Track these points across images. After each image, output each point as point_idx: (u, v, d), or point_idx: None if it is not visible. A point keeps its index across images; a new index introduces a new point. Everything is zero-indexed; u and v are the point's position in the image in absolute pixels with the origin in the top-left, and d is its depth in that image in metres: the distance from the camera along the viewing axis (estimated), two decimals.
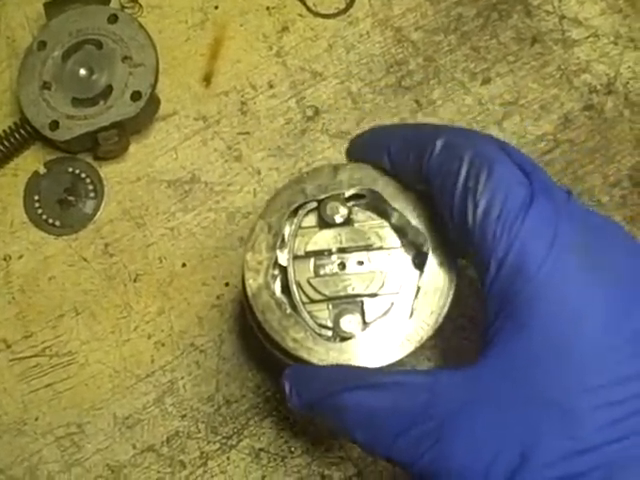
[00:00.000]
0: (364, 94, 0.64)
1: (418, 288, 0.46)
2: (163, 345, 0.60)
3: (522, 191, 0.39)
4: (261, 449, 0.58)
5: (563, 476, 0.35)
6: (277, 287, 0.48)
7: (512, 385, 0.37)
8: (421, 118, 0.63)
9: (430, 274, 0.46)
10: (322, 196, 0.47)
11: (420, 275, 0.46)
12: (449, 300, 0.45)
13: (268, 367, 0.59)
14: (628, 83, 0.63)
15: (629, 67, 0.64)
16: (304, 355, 0.45)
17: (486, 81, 0.64)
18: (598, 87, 0.63)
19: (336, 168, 0.48)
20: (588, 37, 0.64)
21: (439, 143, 0.42)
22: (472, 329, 0.59)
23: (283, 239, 0.48)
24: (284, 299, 0.47)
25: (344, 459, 0.58)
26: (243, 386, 0.59)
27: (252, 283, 0.46)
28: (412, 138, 0.45)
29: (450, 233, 0.43)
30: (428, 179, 0.43)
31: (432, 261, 0.46)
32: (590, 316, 0.37)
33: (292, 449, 0.58)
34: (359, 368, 0.44)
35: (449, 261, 0.46)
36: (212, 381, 0.59)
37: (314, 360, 0.45)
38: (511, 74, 0.64)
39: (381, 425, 0.39)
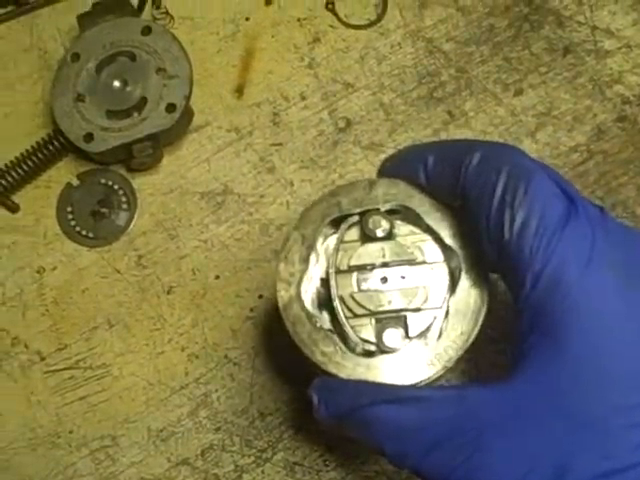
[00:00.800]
0: (396, 105, 0.64)
1: (448, 307, 0.45)
2: (197, 357, 0.60)
3: (559, 205, 0.39)
4: (295, 462, 0.58)
5: None
6: (310, 300, 0.48)
7: (548, 402, 0.37)
8: (453, 130, 0.63)
9: (462, 294, 0.45)
10: (357, 210, 0.47)
11: (452, 294, 0.46)
12: (480, 321, 0.45)
13: (302, 379, 0.58)
14: None
15: None
16: (332, 369, 0.45)
17: (518, 92, 0.64)
18: (631, 98, 0.63)
19: (372, 183, 0.48)
20: (620, 48, 0.64)
21: (476, 155, 0.42)
22: (504, 342, 0.58)
23: (316, 251, 0.47)
24: (316, 312, 0.47)
25: (379, 473, 0.57)
26: (277, 399, 0.59)
27: (284, 294, 0.46)
28: (448, 152, 0.45)
29: (484, 246, 0.42)
30: (464, 192, 0.43)
31: (464, 281, 0.46)
32: (629, 333, 0.36)
33: (327, 462, 0.58)
34: (389, 384, 0.44)
35: (482, 281, 0.46)
36: (246, 394, 0.59)
37: (342, 375, 0.44)
38: (543, 85, 0.64)
39: (411, 439, 0.39)
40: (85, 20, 0.63)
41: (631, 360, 0.36)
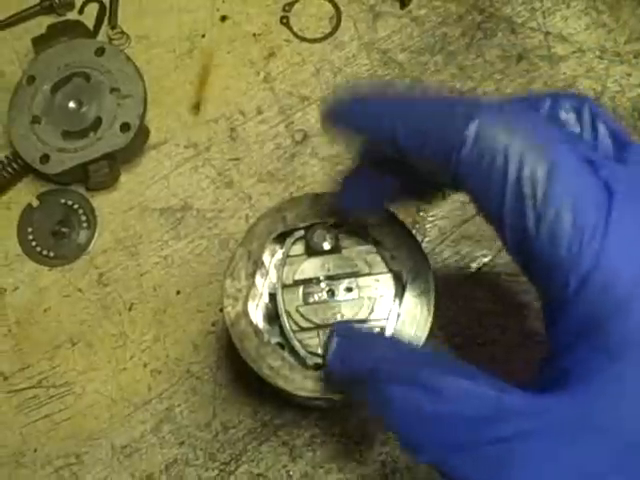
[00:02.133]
0: None
1: (397, 316, 0.46)
2: (159, 373, 0.60)
3: (593, 191, 0.32)
4: (259, 474, 0.58)
5: None
6: (261, 315, 0.48)
7: (594, 423, 0.32)
8: None
9: (408, 304, 0.46)
10: (302, 224, 0.48)
11: (398, 305, 0.46)
12: (426, 332, 0.46)
13: (264, 392, 0.59)
14: (615, 97, 0.63)
15: (615, 81, 0.64)
16: (280, 383, 0.45)
17: None
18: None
19: (317, 196, 0.48)
20: (574, 52, 0.65)
21: (471, 132, 0.32)
22: (468, 347, 0.59)
23: (263, 267, 0.48)
24: (265, 329, 0.48)
25: None
26: (240, 412, 0.59)
27: (230, 310, 0.47)
28: (431, 120, 0.35)
29: (502, 239, 0.35)
30: (458, 180, 0.34)
31: (410, 291, 0.46)
32: None
33: (290, 473, 0.58)
34: (421, 353, 0.39)
35: (427, 291, 0.46)
36: (209, 407, 0.59)
37: (290, 389, 0.45)
38: (498, 92, 0.64)
39: (431, 432, 0.34)
40: (39, 43, 0.63)
41: None
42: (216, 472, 0.58)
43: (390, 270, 0.48)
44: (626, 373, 0.31)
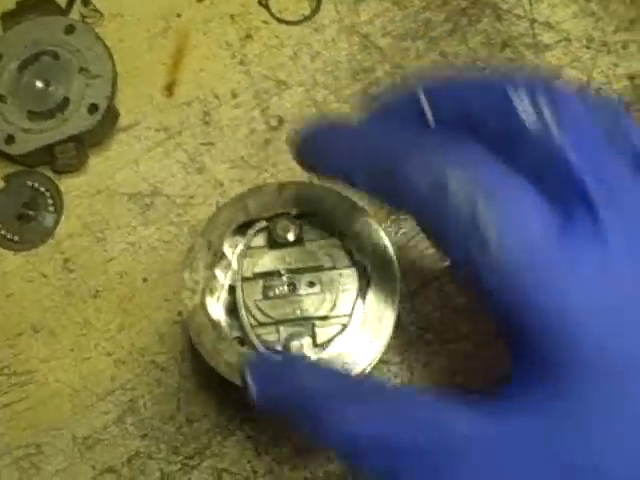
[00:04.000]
0: (329, 103, 0.62)
1: (360, 314, 0.44)
2: (123, 363, 0.59)
3: (541, 222, 0.31)
4: (224, 469, 0.57)
5: None
6: (221, 309, 0.47)
7: (541, 446, 0.30)
8: None
9: (371, 305, 0.44)
10: (265, 215, 0.46)
11: (362, 302, 0.45)
12: (389, 332, 0.44)
13: (230, 385, 0.57)
14: (601, 88, 0.61)
15: (602, 72, 0.62)
16: (237, 381, 0.43)
17: None
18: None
19: (281, 186, 0.46)
20: (560, 41, 0.62)
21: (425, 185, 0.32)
22: (440, 343, 0.57)
23: (224, 258, 0.46)
24: (225, 321, 0.46)
25: (309, 479, 0.56)
26: (205, 405, 0.58)
27: (188, 303, 0.45)
28: (378, 168, 0.35)
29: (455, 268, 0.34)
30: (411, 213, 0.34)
31: (373, 291, 0.44)
32: None
33: (255, 469, 0.57)
34: (348, 377, 0.39)
35: (391, 292, 0.44)
36: (173, 400, 0.58)
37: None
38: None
39: (371, 458, 0.32)
40: (7, 19, 0.61)
41: None
42: (179, 466, 0.57)
43: (354, 264, 0.46)
44: (571, 398, 0.30)
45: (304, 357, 0.43)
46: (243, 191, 0.47)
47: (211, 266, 0.46)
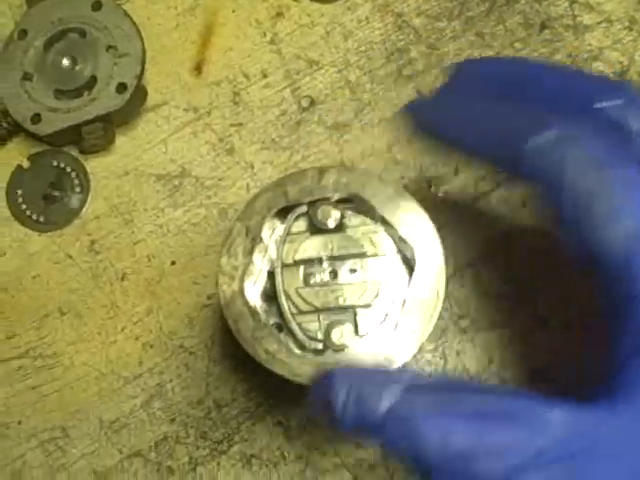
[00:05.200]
0: (363, 84, 0.61)
1: (404, 302, 0.43)
2: (151, 347, 0.58)
3: None
4: (253, 455, 0.56)
5: None
6: (258, 294, 0.45)
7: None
8: None
9: (416, 289, 0.43)
10: (306, 200, 0.45)
11: (405, 289, 0.43)
12: (435, 318, 0.43)
13: (260, 370, 0.56)
14: None
15: None
16: (276, 368, 0.43)
17: None
18: (611, 76, 0.60)
19: (322, 171, 0.45)
20: (600, 22, 0.61)
21: (541, 140, 0.33)
22: (475, 330, 0.56)
23: (262, 243, 0.45)
24: (262, 307, 0.45)
25: (339, 466, 0.55)
26: (234, 390, 0.57)
27: (226, 289, 0.44)
28: (492, 132, 0.35)
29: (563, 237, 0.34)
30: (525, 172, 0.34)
31: (419, 275, 0.43)
32: None
33: (285, 455, 0.56)
34: (445, 383, 0.35)
35: (437, 275, 0.43)
36: (202, 384, 0.57)
37: (286, 374, 0.42)
38: None
39: (468, 465, 0.31)
40: None
41: None
42: (207, 451, 0.56)
43: (398, 252, 0.45)
44: None
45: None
46: (282, 175, 0.46)
47: (250, 252, 0.44)
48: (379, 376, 0.35)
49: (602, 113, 0.34)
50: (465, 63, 0.42)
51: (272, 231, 0.46)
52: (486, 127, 0.36)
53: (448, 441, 0.31)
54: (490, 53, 0.61)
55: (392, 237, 0.45)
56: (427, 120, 0.40)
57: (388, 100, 0.61)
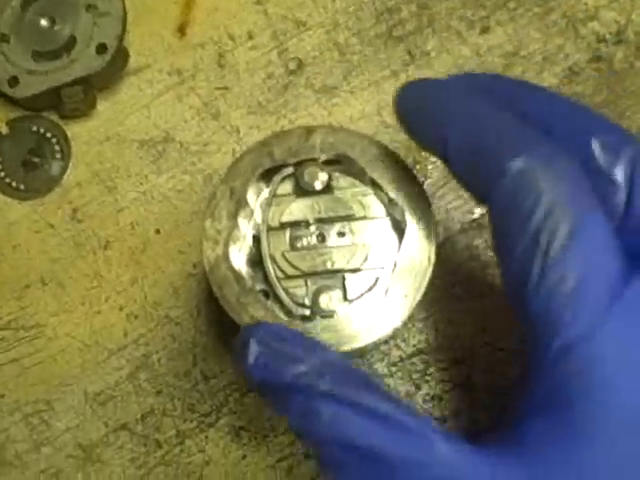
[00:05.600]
0: (352, 45, 0.59)
1: (394, 266, 0.41)
2: (136, 317, 0.56)
3: (613, 266, 0.30)
4: (241, 427, 0.55)
5: None
6: (243, 259, 0.44)
7: None
8: (413, 71, 0.58)
9: (407, 253, 0.41)
10: (292, 160, 0.43)
11: (395, 253, 0.42)
12: (426, 282, 0.41)
13: None
14: None
15: None
16: None
17: (484, 30, 0.59)
18: (607, 36, 0.58)
19: (309, 130, 0.43)
20: None
21: (516, 165, 0.31)
22: (468, 299, 0.55)
23: (247, 206, 0.43)
24: (247, 273, 0.43)
25: None
26: (222, 361, 0.55)
27: (210, 254, 0.42)
28: (478, 139, 0.34)
29: (502, 275, 0.34)
30: (490, 202, 0.33)
31: (409, 239, 0.41)
32: None
33: (274, 427, 0.55)
34: (362, 377, 0.35)
35: (428, 239, 0.42)
36: (188, 355, 0.56)
37: None
38: (512, 22, 0.59)
39: (355, 465, 0.31)
40: None
41: None
42: (195, 424, 0.55)
43: (388, 214, 0.44)
44: (583, 460, 0.29)
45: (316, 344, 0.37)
46: (267, 135, 0.44)
47: (234, 215, 0.43)
48: (296, 341, 0.36)
49: (589, 151, 0.33)
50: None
51: (257, 195, 0.45)
52: (476, 134, 0.34)
53: (338, 430, 0.32)
54: (483, 13, 0.59)
55: (381, 200, 0.44)
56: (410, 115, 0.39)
57: (378, 62, 0.59)
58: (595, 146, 0.33)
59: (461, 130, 0.35)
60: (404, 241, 0.42)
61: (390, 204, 0.43)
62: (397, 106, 0.39)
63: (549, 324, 0.30)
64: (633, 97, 0.57)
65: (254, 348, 0.35)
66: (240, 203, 0.43)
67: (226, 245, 0.42)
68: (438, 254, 0.42)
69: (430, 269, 0.42)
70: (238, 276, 0.42)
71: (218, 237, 0.43)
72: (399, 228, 0.43)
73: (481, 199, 0.34)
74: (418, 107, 0.38)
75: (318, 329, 0.41)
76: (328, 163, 0.44)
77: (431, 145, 0.37)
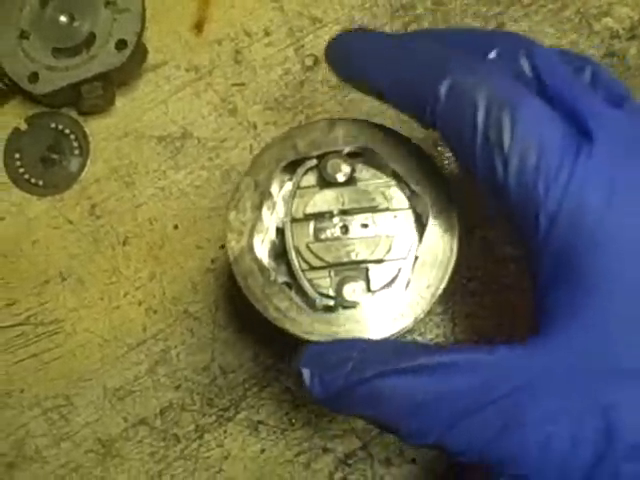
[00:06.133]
0: None
1: (416, 258, 0.42)
2: (155, 312, 0.56)
3: (558, 132, 0.33)
4: (260, 421, 0.55)
5: None
6: (267, 251, 0.44)
7: (584, 359, 0.32)
8: None
9: (429, 243, 0.42)
10: (315, 153, 0.43)
11: (418, 244, 0.42)
12: (449, 273, 0.41)
13: (267, 335, 0.55)
14: None
15: None
16: (287, 326, 0.41)
17: (499, 26, 0.59)
18: (620, 32, 0.59)
19: (332, 123, 0.43)
20: None
21: (444, 88, 0.35)
22: (484, 293, 0.55)
23: (271, 198, 0.43)
24: (271, 266, 0.43)
25: (347, 431, 0.54)
26: (240, 355, 0.56)
27: (234, 245, 0.42)
28: (408, 72, 0.37)
29: (479, 186, 0.36)
30: (436, 129, 0.36)
31: (432, 229, 0.42)
32: None
33: (293, 421, 0.55)
34: (392, 344, 0.38)
35: (451, 229, 0.42)
36: (207, 350, 0.56)
37: (298, 332, 0.41)
38: (526, 18, 0.59)
39: (432, 413, 0.34)
40: None
41: None
42: (214, 418, 0.55)
43: (411, 206, 0.44)
44: (603, 303, 0.32)
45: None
46: (291, 129, 0.44)
47: (258, 207, 0.43)
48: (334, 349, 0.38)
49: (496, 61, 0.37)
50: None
51: (280, 187, 0.45)
52: (398, 72, 0.38)
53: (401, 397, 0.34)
54: (497, 9, 0.59)
55: (404, 191, 0.44)
56: (344, 63, 0.41)
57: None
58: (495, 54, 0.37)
59: (389, 74, 0.38)
60: (426, 233, 0.42)
61: (413, 196, 0.43)
62: (327, 56, 0.42)
63: (529, 206, 0.33)
64: None
65: (306, 372, 0.37)
66: (264, 195, 0.43)
67: (250, 236, 0.43)
68: (460, 244, 0.42)
69: (453, 259, 0.42)
70: (262, 267, 0.42)
71: (242, 228, 0.43)
72: (421, 220, 0.43)
73: (427, 124, 0.37)
74: (347, 55, 0.41)
75: (341, 320, 0.41)
76: (351, 155, 0.44)
77: (363, 85, 0.40)
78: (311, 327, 0.41)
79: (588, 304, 0.32)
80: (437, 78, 0.35)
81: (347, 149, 0.44)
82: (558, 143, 0.33)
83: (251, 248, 0.43)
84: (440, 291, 0.42)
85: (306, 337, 0.41)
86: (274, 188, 0.44)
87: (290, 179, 0.45)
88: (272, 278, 0.42)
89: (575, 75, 0.37)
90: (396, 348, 0.37)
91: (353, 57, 0.40)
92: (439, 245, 0.42)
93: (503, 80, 0.35)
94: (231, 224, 0.43)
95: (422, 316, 0.42)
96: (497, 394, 0.33)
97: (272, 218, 0.45)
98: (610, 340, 0.32)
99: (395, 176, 0.44)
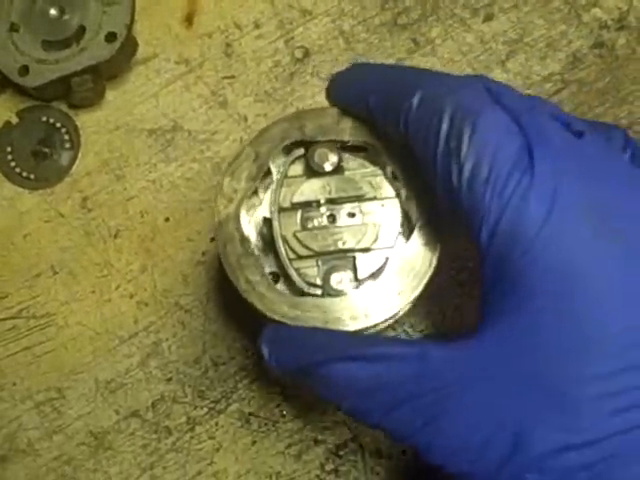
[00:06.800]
0: (357, 33, 0.60)
1: (404, 246, 0.42)
2: (146, 305, 0.57)
3: (513, 146, 0.34)
4: (251, 413, 0.55)
5: (557, 468, 0.32)
6: (253, 237, 0.44)
7: (508, 366, 0.34)
8: (418, 59, 0.59)
9: (410, 252, 0.42)
10: (321, 138, 0.43)
11: (406, 235, 0.42)
12: (422, 285, 0.42)
13: (257, 327, 0.55)
14: None
15: None
16: (254, 300, 0.42)
17: (488, 17, 0.59)
18: (609, 22, 0.59)
19: (342, 113, 0.44)
20: None
21: (417, 96, 0.37)
22: (472, 285, 0.55)
23: (269, 176, 0.44)
24: (257, 245, 0.44)
25: (339, 423, 0.55)
26: (231, 347, 0.56)
27: (222, 210, 0.43)
28: (392, 87, 0.40)
29: (438, 197, 0.38)
30: (408, 137, 0.38)
31: (416, 238, 0.42)
32: (597, 293, 0.32)
33: (284, 413, 0.55)
34: (343, 335, 0.41)
35: (433, 242, 0.42)
36: (198, 342, 0.56)
37: (262, 308, 0.42)
38: (515, 9, 0.59)
39: (370, 398, 0.37)
40: None
41: (601, 324, 0.32)
42: (205, 410, 0.55)
43: (397, 195, 0.44)
44: (530, 316, 0.33)
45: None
46: (301, 110, 0.45)
47: (253, 178, 0.43)
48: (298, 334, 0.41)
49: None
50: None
51: (279, 168, 0.45)
52: (378, 92, 0.41)
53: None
54: (486, 1, 0.60)
55: (390, 180, 0.44)
56: (339, 93, 0.45)
57: (383, 50, 0.59)
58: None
59: (375, 91, 0.41)
60: (411, 239, 0.42)
61: (398, 185, 0.43)
62: (335, 87, 0.45)
63: (476, 213, 0.34)
64: (635, 82, 0.58)
65: (265, 350, 0.41)
66: (262, 168, 0.43)
67: (239, 205, 0.43)
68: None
69: (429, 274, 0.42)
70: (243, 238, 0.42)
71: (233, 196, 0.43)
72: (407, 209, 0.43)
73: (402, 135, 0.39)
74: (345, 88, 0.45)
75: (308, 306, 0.42)
76: (354, 149, 0.44)
77: (360, 111, 0.43)
78: (276, 306, 0.42)
79: (520, 317, 0.33)
80: (412, 90, 0.38)
81: (352, 141, 0.44)
82: (511, 155, 0.34)
83: (237, 216, 0.43)
84: (410, 300, 0.42)
85: (269, 315, 0.42)
86: (273, 166, 0.44)
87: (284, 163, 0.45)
88: (250, 250, 0.42)
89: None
90: (347, 338, 0.40)
91: (354, 83, 0.44)
92: (419, 257, 0.42)
93: (472, 91, 0.37)
94: (223, 189, 0.43)
95: (409, 306, 0.42)
96: (427, 389, 0.35)
97: (265, 198, 0.45)
98: (532, 354, 0.33)
99: (393, 177, 0.44)
